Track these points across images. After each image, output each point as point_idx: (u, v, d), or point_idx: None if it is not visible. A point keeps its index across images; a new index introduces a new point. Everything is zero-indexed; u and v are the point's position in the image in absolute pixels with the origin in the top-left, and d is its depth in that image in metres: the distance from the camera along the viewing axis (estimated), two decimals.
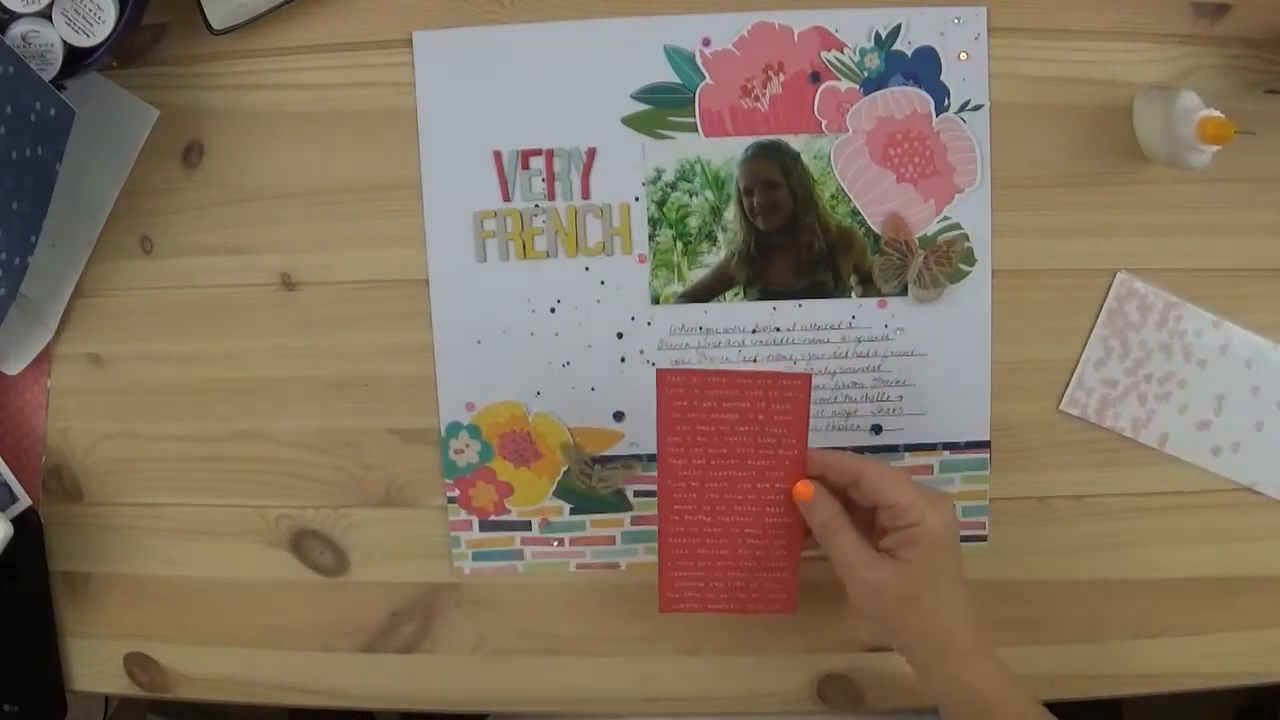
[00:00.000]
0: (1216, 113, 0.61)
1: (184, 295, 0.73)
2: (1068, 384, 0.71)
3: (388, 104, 0.70)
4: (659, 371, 0.63)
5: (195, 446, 0.75)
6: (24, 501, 0.75)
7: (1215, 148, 0.62)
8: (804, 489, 0.64)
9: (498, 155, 0.71)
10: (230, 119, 0.71)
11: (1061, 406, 0.71)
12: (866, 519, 0.64)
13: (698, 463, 0.65)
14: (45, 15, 0.64)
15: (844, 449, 0.72)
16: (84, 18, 0.63)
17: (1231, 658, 0.73)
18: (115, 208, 0.72)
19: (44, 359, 0.75)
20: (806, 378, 0.63)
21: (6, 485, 0.74)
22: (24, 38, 0.64)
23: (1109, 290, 0.70)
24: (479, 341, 0.72)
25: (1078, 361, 0.71)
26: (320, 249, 0.72)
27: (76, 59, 0.65)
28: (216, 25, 0.67)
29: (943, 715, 0.64)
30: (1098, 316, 0.71)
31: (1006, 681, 0.62)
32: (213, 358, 0.74)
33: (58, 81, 0.65)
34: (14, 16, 0.63)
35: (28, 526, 0.74)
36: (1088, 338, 0.71)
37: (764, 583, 0.68)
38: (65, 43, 0.64)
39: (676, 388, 0.63)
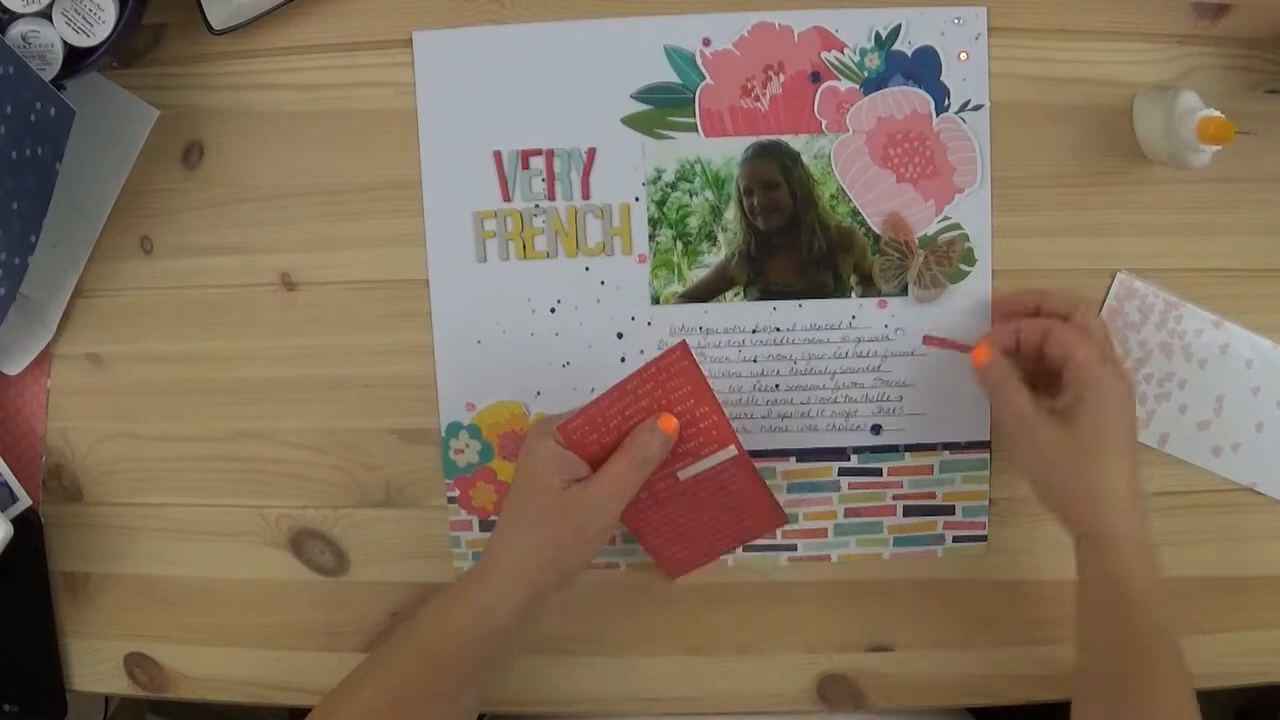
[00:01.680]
0: (1216, 113, 0.61)
1: (184, 295, 0.73)
2: None
3: (388, 104, 0.70)
4: (558, 429, 0.61)
5: (195, 446, 0.75)
6: (24, 501, 0.75)
7: (1215, 148, 0.62)
8: (981, 352, 0.65)
9: (498, 155, 0.70)
10: (230, 119, 0.71)
11: None
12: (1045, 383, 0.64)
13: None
14: (45, 15, 0.64)
15: (844, 448, 0.72)
16: (84, 18, 0.63)
17: (1231, 658, 0.73)
18: (115, 208, 0.72)
19: (44, 359, 0.75)
20: (681, 345, 0.61)
21: (6, 485, 0.74)
22: (24, 38, 0.64)
23: (1109, 290, 0.70)
24: (479, 341, 0.72)
25: None
26: (320, 249, 0.72)
27: (76, 59, 0.65)
28: (216, 25, 0.67)
29: (1079, 597, 0.63)
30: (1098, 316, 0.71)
31: (1153, 581, 0.60)
32: (213, 358, 0.74)
33: (58, 81, 0.64)
34: (14, 16, 0.63)
35: (28, 526, 0.74)
36: None
37: (745, 516, 0.70)
38: (65, 43, 0.64)
39: (578, 432, 0.62)
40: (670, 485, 0.66)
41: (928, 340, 0.70)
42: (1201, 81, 0.68)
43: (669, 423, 0.62)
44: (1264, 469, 0.72)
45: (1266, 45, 0.68)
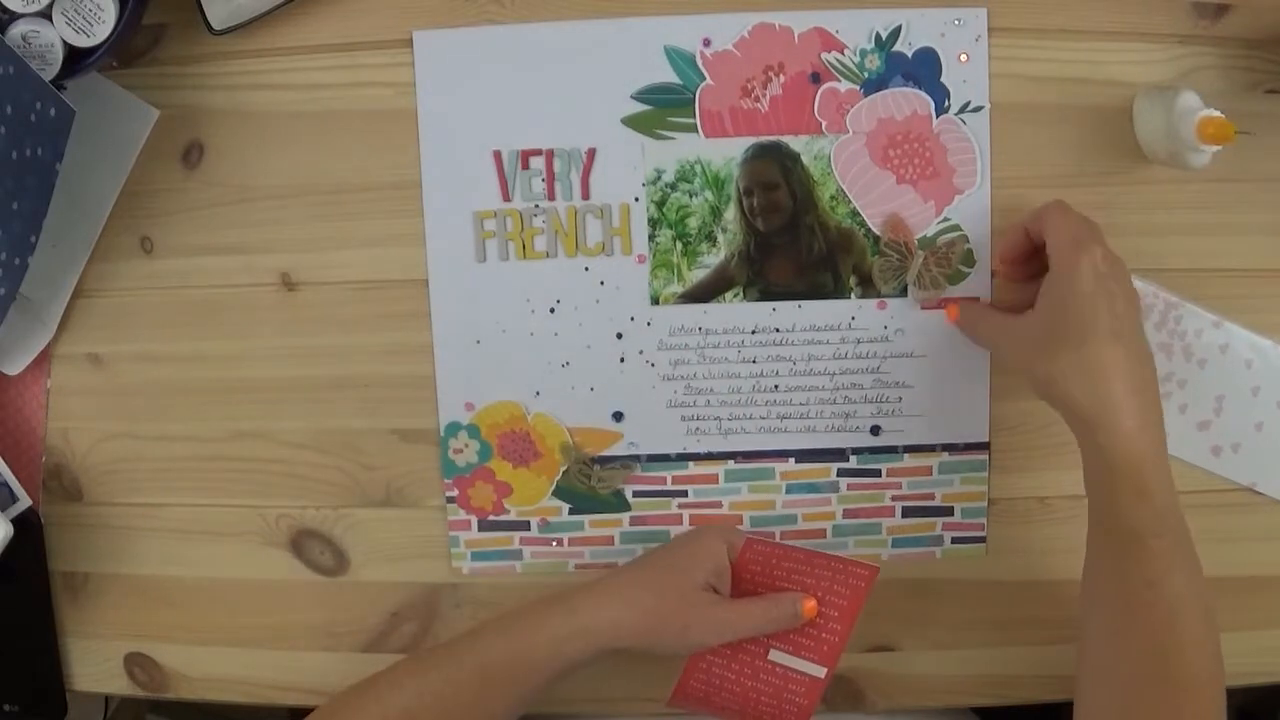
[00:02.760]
0: (1216, 113, 0.61)
1: (184, 295, 0.73)
2: None
3: (388, 104, 0.70)
4: (748, 540, 0.67)
5: (195, 446, 0.75)
6: (24, 501, 0.75)
7: (1215, 148, 0.62)
8: (951, 310, 0.68)
9: (497, 155, 0.70)
10: (230, 119, 0.71)
11: None
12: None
13: None
14: (45, 15, 0.63)
15: (843, 449, 0.72)
16: (84, 18, 0.63)
17: (1231, 658, 0.73)
18: (115, 208, 0.72)
19: (44, 359, 0.75)
20: (873, 570, 0.65)
21: (6, 485, 0.74)
22: (24, 38, 0.64)
23: None
24: (478, 341, 0.72)
25: None
26: (320, 249, 0.72)
27: (76, 59, 0.65)
28: (216, 25, 0.67)
29: (1088, 492, 0.60)
30: None
31: (1156, 465, 0.57)
32: (213, 358, 0.74)
33: (58, 81, 0.64)
34: (14, 16, 0.63)
35: (28, 526, 0.74)
36: None
37: (778, 700, 0.67)
38: (65, 43, 0.64)
39: (757, 558, 0.67)
40: (755, 654, 0.67)
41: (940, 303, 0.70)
42: (1201, 81, 0.68)
43: (811, 609, 0.65)
44: (1264, 469, 0.72)
45: (1266, 45, 0.68)
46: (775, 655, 0.66)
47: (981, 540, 0.73)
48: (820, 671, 0.66)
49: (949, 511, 0.73)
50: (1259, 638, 0.73)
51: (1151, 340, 0.70)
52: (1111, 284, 0.59)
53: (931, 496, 0.73)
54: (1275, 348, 0.71)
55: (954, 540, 0.73)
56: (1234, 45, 0.68)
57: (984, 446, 0.72)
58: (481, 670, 0.63)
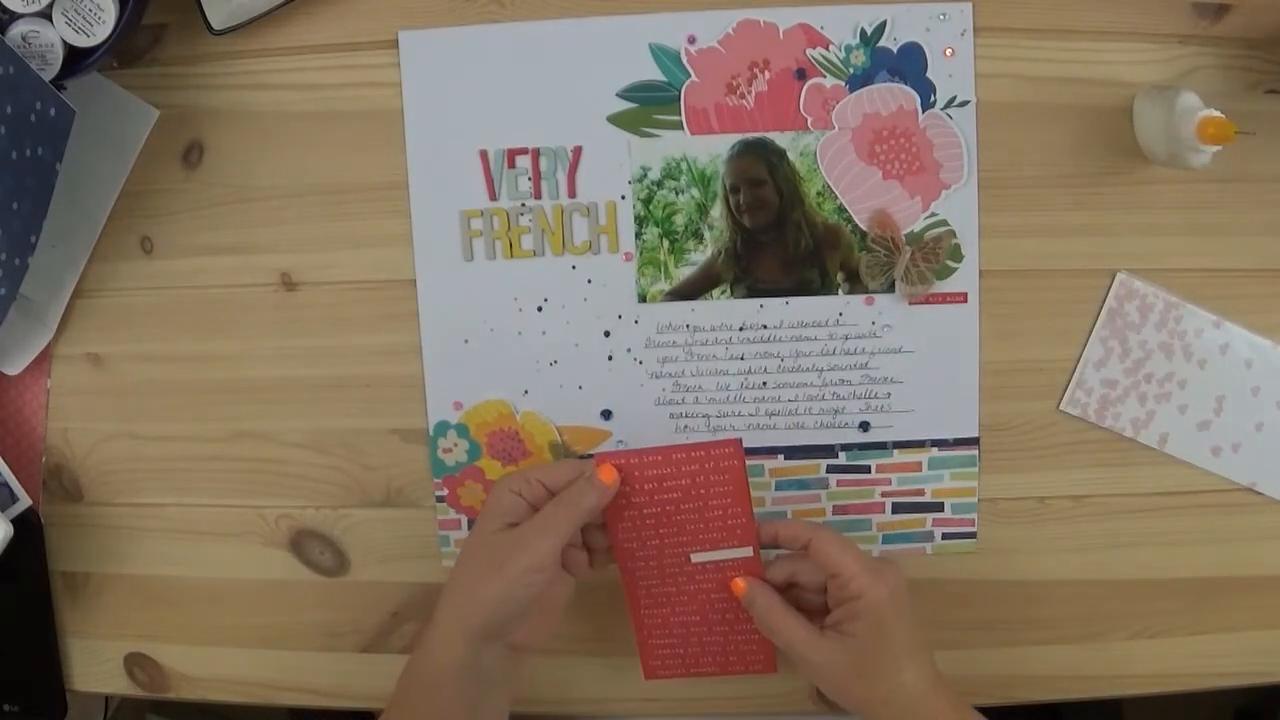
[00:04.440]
0: (1216, 113, 0.61)
1: (184, 295, 0.73)
2: (1068, 384, 0.71)
3: (388, 104, 0.70)
4: (596, 458, 0.64)
5: (195, 446, 0.75)
6: (24, 501, 0.75)
7: (1215, 148, 0.62)
8: (737, 585, 0.65)
9: (484, 154, 0.70)
10: (230, 119, 0.71)
11: (1061, 406, 0.71)
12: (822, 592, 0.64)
13: (652, 542, 0.66)
14: (45, 15, 0.64)
15: (832, 445, 0.72)
16: (84, 18, 0.63)
17: (1231, 658, 0.73)
18: (115, 208, 0.72)
19: (44, 359, 0.75)
20: (736, 443, 0.63)
21: (6, 485, 0.74)
22: (24, 38, 0.64)
23: (1109, 290, 0.70)
24: (466, 341, 0.72)
25: (1077, 361, 0.71)
26: (320, 249, 0.72)
27: (76, 59, 0.65)
28: (216, 25, 0.67)
29: None
30: (1097, 316, 0.71)
31: None
32: (213, 358, 0.74)
33: (58, 81, 0.65)
34: (14, 16, 0.63)
35: (28, 526, 0.74)
36: (1087, 338, 0.71)
37: (740, 645, 0.69)
38: (65, 43, 0.64)
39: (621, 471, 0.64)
40: (679, 564, 0.66)
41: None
42: (1201, 81, 0.68)
43: (609, 474, 0.63)
44: (1264, 469, 0.72)
45: (1266, 45, 0.68)
46: (697, 556, 0.66)
47: (972, 536, 0.73)
48: (747, 551, 0.65)
49: (939, 507, 0.73)
50: (1259, 638, 0.73)
51: (1151, 340, 0.70)
52: (907, 606, 0.61)
53: (921, 492, 0.73)
54: (1275, 348, 0.71)
55: (944, 536, 0.73)
56: (1234, 45, 0.68)
57: (973, 442, 0.72)
58: (398, 702, 0.62)
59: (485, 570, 0.61)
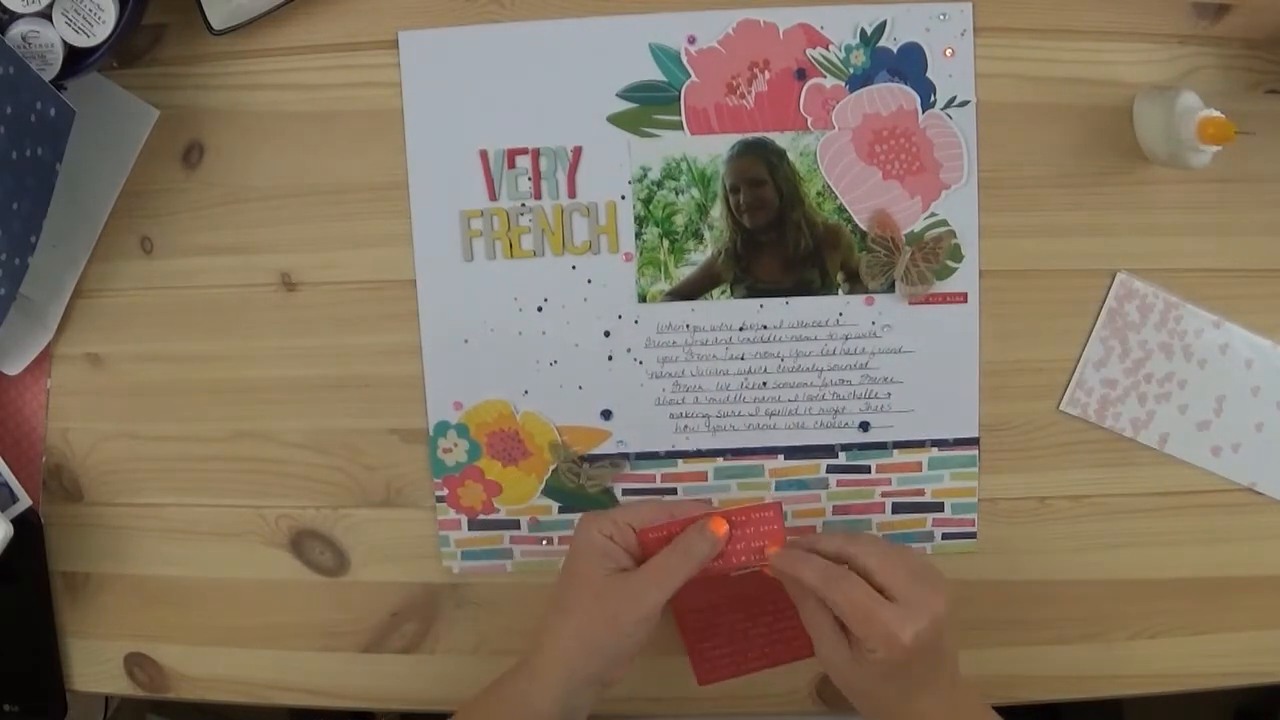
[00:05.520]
0: (1216, 113, 0.61)
1: (184, 295, 0.73)
2: (1068, 384, 0.71)
3: (387, 104, 0.70)
4: (640, 532, 0.63)
5: (195, 446, 0.75)
6: (24, 502, 0.75)
7: (1215, 148, 0.62)
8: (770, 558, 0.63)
9: (484, 154, 0.70)
10: (230, 119, 0.71)
11: (1061, 406, 0.71)
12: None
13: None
14: (45, 15, 0.64)
15: (832, 445, 0.72)
16: (84, 18, 0.64)
17: (1231, 658, 0.73)
18: (115, 208, 0.72)
19: (44, 359, 0.75)
20: (775, 506, 0.62)
21: (6, 485, 0.74)
22: (24, 38, 0.64)
23: (1109, 290, 0.70)
24: (466, 341, 0.72)
25: (1078, 361, 0.71)
26: (320, 249, 0.72)
27: (76, 59, 0.65)
28: (216, 25, 0.67)
29: None
30: (1098, 316, 0.71)
31: None
32: (213, 358, 0.74)
33: (58, 81, 0.65)
34: (14, 16, 0.63)
35: (28, 526, 0.74)
36: (1088, 338, 0.71)
37: (785, 632, 0.69)
38: (65, 43, 0.64)
39: (656, 544, 0.63)
40: (721, 579, 0.66)
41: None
42: (1201, 81, 0.68)
43: (720, 526, 0.63)
44: (1264, 469, 0.72)
45: (1266, 45, 0.68)
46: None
47: (972, 536, 0.73)
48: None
49: (939, 507, 0.73)
50: (1259, 638, 0.73)
51: (1151, 340, 0.70)
52: (935, 639, 0.58)
53: (921, 492, 0.73)
54: (1275, 348, 0.71)
55: (944, 536, 0.73)
56: (1234, 45, 0.68)
57: (973, 442, 0.72)
58: None
59: (599, 622, 0.61)
